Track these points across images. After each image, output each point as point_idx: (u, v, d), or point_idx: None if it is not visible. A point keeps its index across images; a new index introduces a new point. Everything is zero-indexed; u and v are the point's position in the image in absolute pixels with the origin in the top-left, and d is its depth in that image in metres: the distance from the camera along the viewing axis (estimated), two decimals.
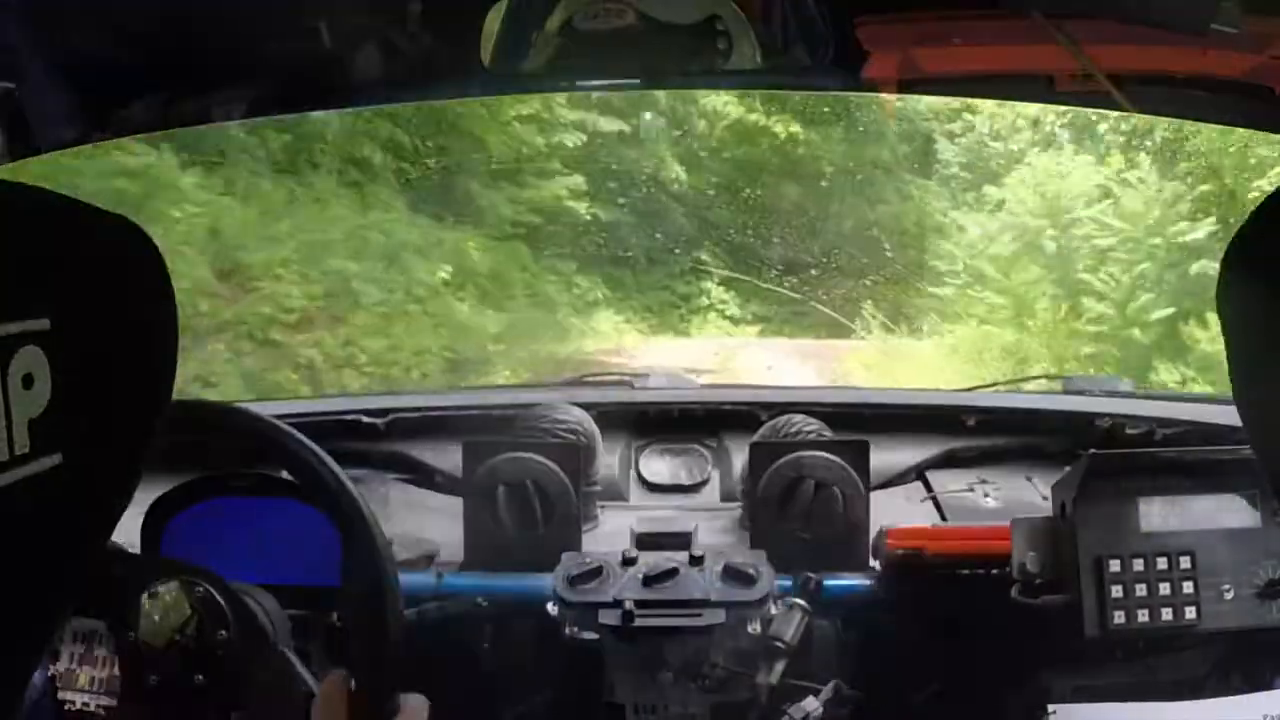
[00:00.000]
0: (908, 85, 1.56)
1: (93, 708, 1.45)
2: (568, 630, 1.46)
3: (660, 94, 7.18)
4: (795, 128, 8.14)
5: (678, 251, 8.05)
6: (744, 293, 7.88)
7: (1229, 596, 1.42)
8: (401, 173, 7.44)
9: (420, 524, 1.73)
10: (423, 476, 1.86)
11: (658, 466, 1.89)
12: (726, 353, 7.38)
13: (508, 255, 7.66)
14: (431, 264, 7.27)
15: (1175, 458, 1.50)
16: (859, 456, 1.65)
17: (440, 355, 6.89)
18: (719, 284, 7.97)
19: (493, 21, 1.38)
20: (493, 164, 7.58)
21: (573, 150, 7.74)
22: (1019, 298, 7.43)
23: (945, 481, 1.82)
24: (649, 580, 1.47)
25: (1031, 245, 7.48)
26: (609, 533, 1.72)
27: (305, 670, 1.24)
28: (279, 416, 1.35)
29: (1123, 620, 1.41)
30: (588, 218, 7.82)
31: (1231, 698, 1.45)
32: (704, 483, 1.87)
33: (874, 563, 1.60)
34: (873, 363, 7.11)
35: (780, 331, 7.66)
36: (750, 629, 1.46)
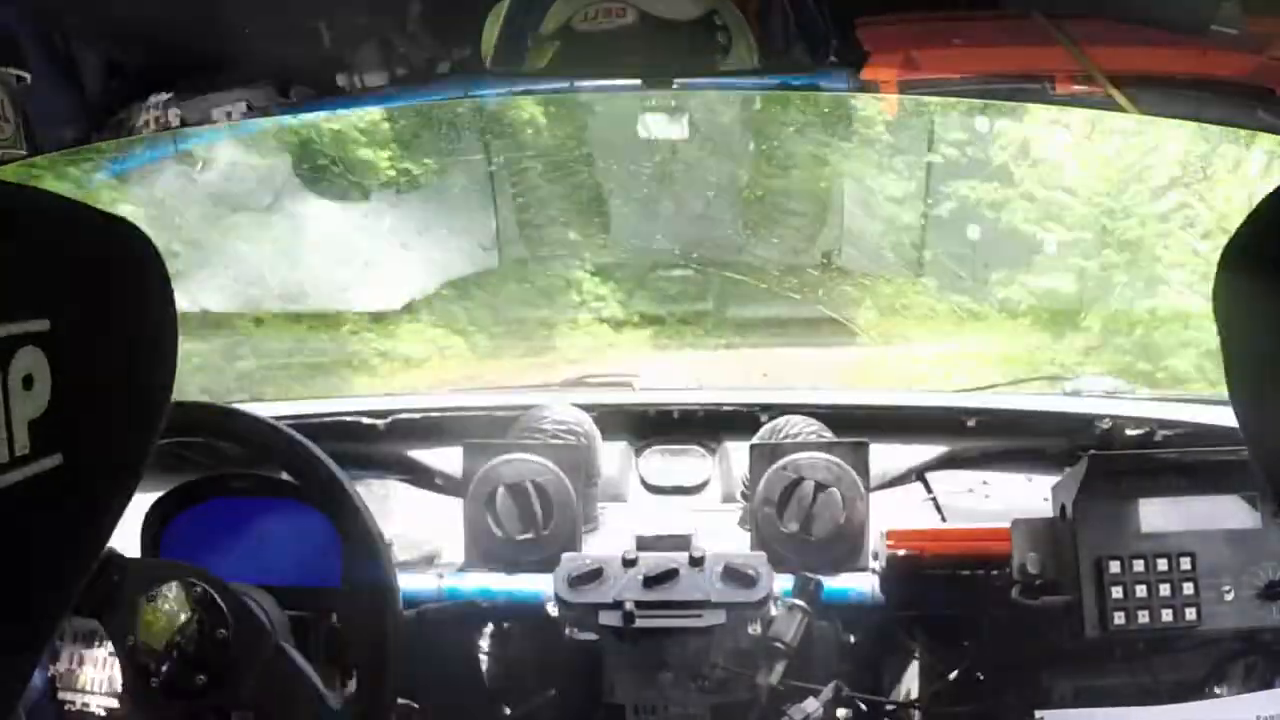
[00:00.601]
0: (908, 86, 1.56)
1: (93, 707, 1.45)
2: (568, 631, 1.46)
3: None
4: None
5: (534, 227, 5.34)
6: (627, 284, 5.47)
7: (1229, 597, 1.42)
8: None
9: (420, 525, 1.73)
10: (423, 478, 1.86)
11: (658, 468, 1.89)
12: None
13: (225, 230, 4.68)
14: None
15: (1175, 459, 1.50)
16: (859, 458, 1.65)
17: None
18: (593, 273, 5.49)
19: (493, 21, 1.38)
20: None
21: None
22: None
23: (945, 483, 1.82)
24: (649, 581, 1.47)
25: None
26: (609, 534, 1.72)
27: (307, 665, 1.24)
28: (279, 418, 1.36)
29: (1123, 621, 1.41)
30: (391, 174, 5.16)
31: (1227, 699, 1.46)
32: (704, 484, 1.87)
33: (874, 564, 1.60)
34: None
35: (681, 336, 5.28)
36: (750, 630, 1.46)
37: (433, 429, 1.88)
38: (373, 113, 4.64)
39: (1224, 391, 0.67)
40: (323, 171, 4.68)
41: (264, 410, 1.56)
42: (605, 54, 1.34)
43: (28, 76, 1.13)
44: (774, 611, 1.48)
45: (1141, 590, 1.42)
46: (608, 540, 1.68)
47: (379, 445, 1.88)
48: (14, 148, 1.16)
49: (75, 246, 0.53)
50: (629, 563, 1.50)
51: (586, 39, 1.32)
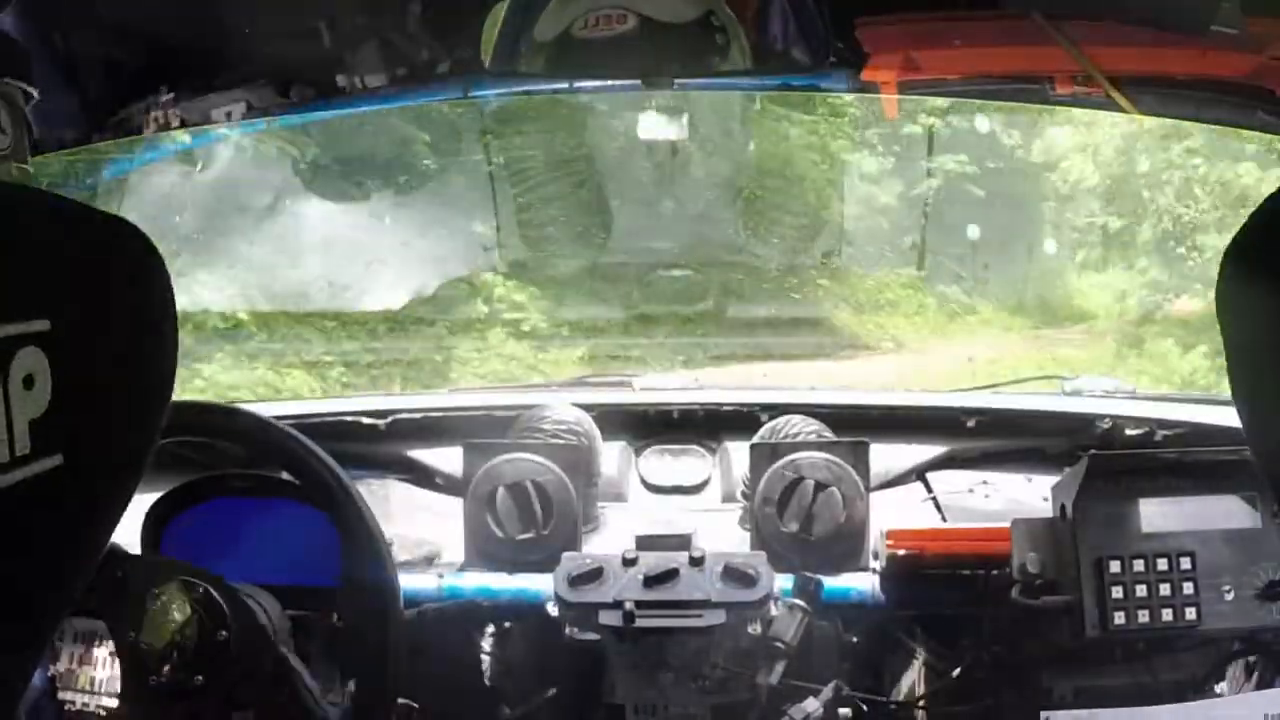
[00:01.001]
0: (908, 86, 1.56)
1: (93, 708, 1.45)
2: (568, 631, 1.46)
3: None
4: None
5: (434, 220, 4.14)
6: (551, 288, 4.29)
7: (1229, 597, 1.42)
8: None
9: (421, 525, 1.73)
10: (423, 477, 1.86)
11: (658, 467, 1.89)
12: None
13: None
14: None
15: (1175, 459, 1.50)
16: (859, 457, 1.65)
17: None
18: (508, 276, 4.24)
19: (492, 23, 1.38)
20: None
21: None
22: None
23: (945, 482, 1.82)
24: (649, 581, 1.47)
25: None
26: (609, 533, 1.72)
27: (304, 670, 1.24)
28: (279, 417, 1.36)
29: (1123, 621, 1.41)
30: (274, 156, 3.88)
31: (1234, 697, 1.46)
32: (704, 484, 1.87)
33: (874, 564, 1.60)
34: None
35: (627, 354, 4.02)
36: (751, 630, 1.46)
37: (433, 429, 1.88)
38: None
39: (1224, 392, 0.67)
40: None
41: (264, 410, 1.56)
42: (606, 60, 1.33)
43: (34, 92, 1.13)
44: (774, 611, 1.48)
45: (1142, 590, 1.41)
46: (608, 540, 1.68)
47: (379, 445, 1.88)
48: (14, 160, 1.16)
49: (75, 247, 0.53)
50: (629, 562, 1.50)
51: (586, 46, 1.31)
